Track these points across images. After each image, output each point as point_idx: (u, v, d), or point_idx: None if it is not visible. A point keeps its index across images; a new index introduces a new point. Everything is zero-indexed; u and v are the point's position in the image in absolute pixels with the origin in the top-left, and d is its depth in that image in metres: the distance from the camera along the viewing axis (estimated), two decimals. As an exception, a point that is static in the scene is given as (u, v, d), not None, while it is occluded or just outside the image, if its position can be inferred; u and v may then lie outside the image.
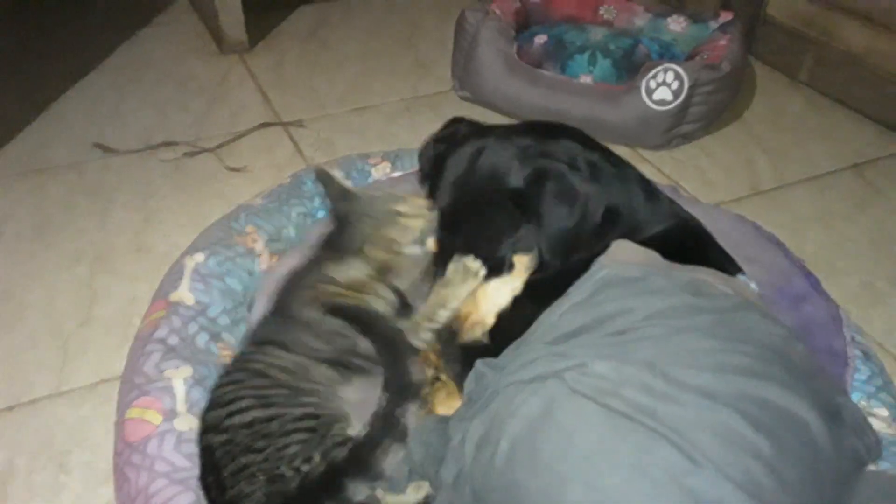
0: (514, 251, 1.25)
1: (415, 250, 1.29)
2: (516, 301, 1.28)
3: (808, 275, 1.57)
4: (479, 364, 1.13)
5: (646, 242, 1.20)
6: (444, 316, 1.23)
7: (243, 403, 1.12)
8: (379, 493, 1.06)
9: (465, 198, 1.29)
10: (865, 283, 1.85)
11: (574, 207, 1.22)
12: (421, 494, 1.11)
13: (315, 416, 1.12)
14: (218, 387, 1.18)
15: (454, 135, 1.41)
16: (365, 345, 1.18)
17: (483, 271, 1.24)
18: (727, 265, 1.27)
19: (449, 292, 1.23)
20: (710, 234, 1.35)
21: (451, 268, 1.23)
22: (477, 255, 1.24)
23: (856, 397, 1.33)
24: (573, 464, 0.88)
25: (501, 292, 1.26)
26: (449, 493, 1.06)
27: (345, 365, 1.20)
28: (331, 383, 1.18)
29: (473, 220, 1.27)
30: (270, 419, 1.11)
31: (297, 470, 1.05)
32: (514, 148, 1.29)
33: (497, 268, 1.25)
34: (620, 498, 0.85)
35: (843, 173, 2.23)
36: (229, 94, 2.50)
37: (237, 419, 1.11)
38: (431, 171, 1.36)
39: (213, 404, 1.17)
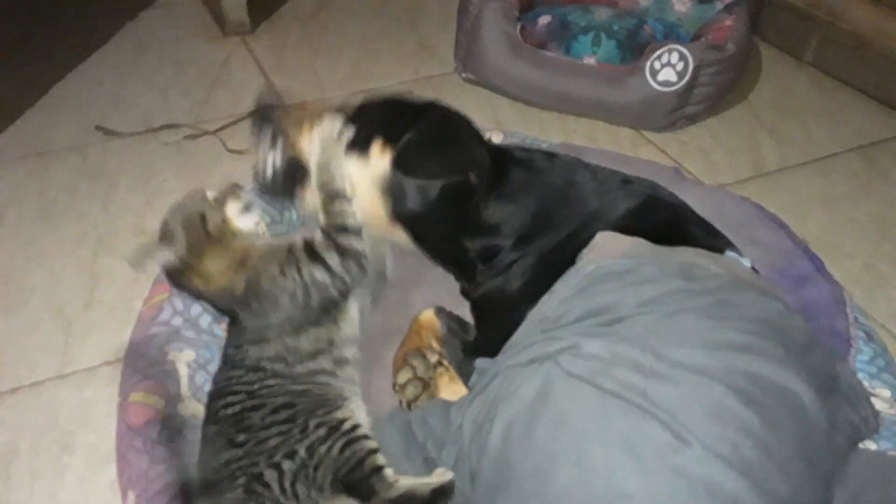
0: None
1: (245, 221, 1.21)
2: (491, 304, 1.30)
3: (812, 256, 1.56)
4: (479, 362, 1.15)
5: (618, 226, 1.19)
6: (346, 213, 1.17)
7: (237, 398, 1.12)
8: (389, 472, 1.06)
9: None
10: (869, 265, 1.84)
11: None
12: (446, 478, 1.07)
13: (291, 406, 1.11)
14: (219, 378, 1.18)
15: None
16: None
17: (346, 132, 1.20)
18: (711, 239, 1.25)
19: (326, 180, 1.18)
20: (683, 205, 1.32)
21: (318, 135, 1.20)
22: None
23: (859, 378, 1.33)
24: (565, 444, 0.89)
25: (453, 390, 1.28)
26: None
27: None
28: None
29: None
30: (255, 408, 1.11)
31: (278, 466, 1.05)
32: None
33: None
34: (609, 477, 0.86)
35: (847, 155, 2.21)
36: (231, 77, 2.49)
37: (229, 410, 1.11)
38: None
39: (214, 395, 1.16)
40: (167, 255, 1.17)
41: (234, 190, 1.21)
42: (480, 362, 1.15)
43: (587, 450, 0.88)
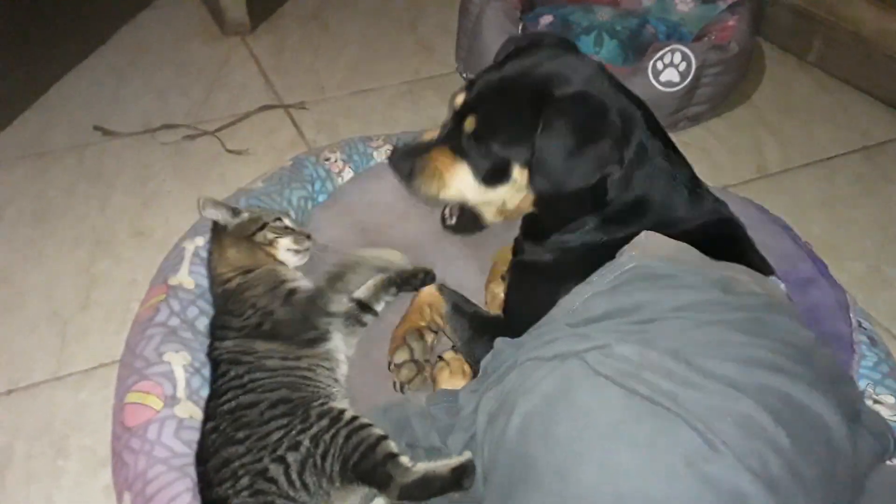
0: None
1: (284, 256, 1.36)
2: (525, 279, 1.27)
3: (815, 259, 1.55)
4: (499, 342, 1.11)
5: (679, 236, 1.14)
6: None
7: (230, 394, 1.13)
8: (404, 458, 1.05)
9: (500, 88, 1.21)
10: (872, 268, 1.82)
11: (589, 146, 1.13)
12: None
13: (288, 400, 1.11)
14: (217, 379, 1.19)
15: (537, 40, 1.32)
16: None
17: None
18: (762, 266, 1.22)
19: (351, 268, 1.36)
20: (748, 236, 1.28)
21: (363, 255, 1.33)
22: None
23: (862, 384, 1.32)
24: (589, 442, 0.87)
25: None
26: None
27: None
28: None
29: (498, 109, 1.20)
30: (251, 405, 1.11)
31: (283, 459, 1.04)
32: (590, 70, 1.20)
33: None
34: (635, 479, 0.84)
35: (851, 157, 2.20)
36: (230, 77, 2.48)
37: (225, 407, 1.12)
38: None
39: (213, 394, 1.17)
40: (225, 217, 1.35)
41: (303, 234, 1.39)
42: (500, 342, 1.11)
43: (614, 451, 0.85)
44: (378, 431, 1.08)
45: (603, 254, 1.13)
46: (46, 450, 1.40)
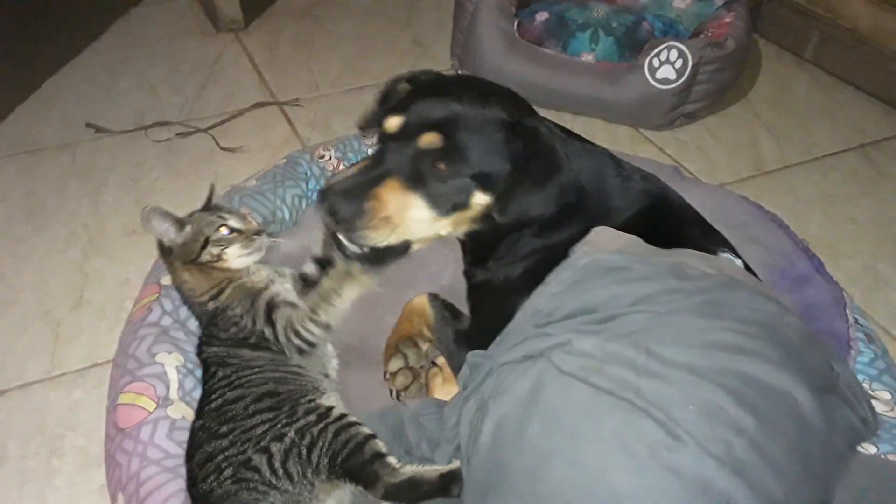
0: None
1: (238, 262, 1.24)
2: (485, 299, 1.27)
3: (812, 256, 1.54)
4: (472, 356, 1.12)
5: (624, 225, 1.16)
6: (326, 312, 1.18)
7: (218, 392, 1.13)
8: (392, 458, 1.05)
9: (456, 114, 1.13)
10: (868, 266, 1.82)
11: (554, 179, 1.12)
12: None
13: (275, 394, 1.11)
14: (207, 380, 1.18)
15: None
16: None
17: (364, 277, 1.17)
18: (707, 242, 1.22)
19: (331, 287, 1.19)
20: (686, 206, 1.29)
21: (337, 267, 1.18)
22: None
23: (858, 380, 1.31)
24: (557, 441, 0.88)
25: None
26: None
27: None
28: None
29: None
30: (237, 400, 1.10)
31: (266, 450, 1.04)
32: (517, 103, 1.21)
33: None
34: (602, 474, 0.85)
35: (847, 154, 2.20)
36: (224, 74, 2.46)
37: (213, 404, 1.11)
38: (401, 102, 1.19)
39: (203, 395, 1.17)
40: (168, 234, 1.24)
41: (250, 230, 1.25)
42: (472, 356, 1.12)
43: (580, 447, 0.87)
44: (366, 430, 1.08)
45: (548, 257, 1.13)
46: (40, 450, 1.39)
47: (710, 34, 2.20)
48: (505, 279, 1.23)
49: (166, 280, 1.36)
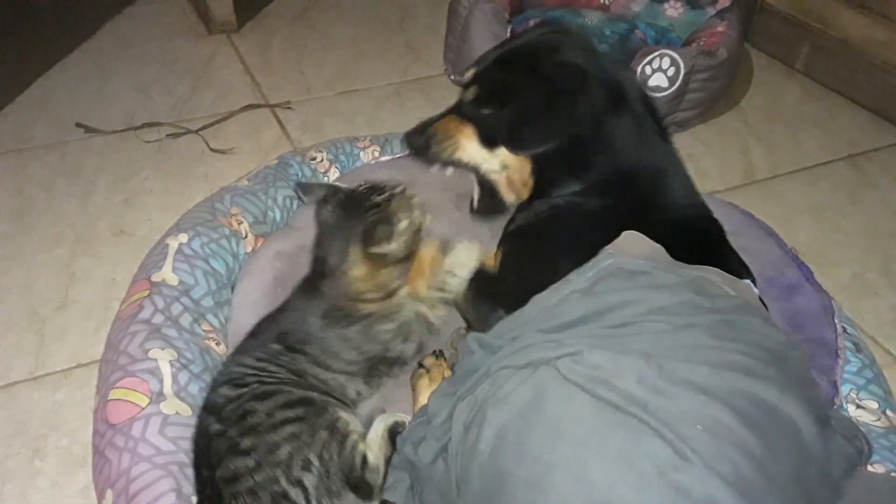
0: None
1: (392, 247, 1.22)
2: (516, 246, 1.30)
3: (801, 265, 1.55)
4: (471, 340, 1.11)
5: (664, 223, 1.19)
6: (453, 284, 1.25)
7: (245, 389, 1.10)
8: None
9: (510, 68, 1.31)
10: (857, 275, 1.83)
11: (558, 126, 1.23)
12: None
13: (308, 401, 1.10)
14: (228, 365, 1.17)
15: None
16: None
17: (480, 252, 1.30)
18: (740, 269, 1.24)
19: (454, 261, 1.26)
20: (728, 240, 1.31)
21: (459, 246, 1.31)
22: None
23: (846, 389, 1.32)
24: (561, 453, 0.86)
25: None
26: (427, 472, 1.05)
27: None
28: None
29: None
30: (260, 403, 1.08)
31: (300, 483, 1.03)
32: (578, 44, 1.32)
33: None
34: (607, 490, 0.83)
35: (837, 164, 2.20)
36: (215, 75, 2.45)
37: (230, 407, 1.09)
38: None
39: (221, 381, 1.14)
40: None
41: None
42: (473, 341, 1.10)
43: (585, 461, 0.85)
44: (355, 437, 1.09)
45: (588, 220, 1.22)
46: (23, 450, 1.37)
47: (702, 43, 2.21)
48: (540, 221, 1.28)
49: (157, 277, 1.34)
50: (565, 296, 1.06)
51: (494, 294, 1.23)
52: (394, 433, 1.12)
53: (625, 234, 1.13)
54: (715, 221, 1.30)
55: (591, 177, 1.25)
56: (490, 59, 1.35)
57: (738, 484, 0.82)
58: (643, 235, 1.13)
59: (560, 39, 1.33)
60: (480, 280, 1.29)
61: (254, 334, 1.22)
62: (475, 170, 1.35)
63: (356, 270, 1.20)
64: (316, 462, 1.05)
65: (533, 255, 1.25)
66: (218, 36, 2.65)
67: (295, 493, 1.03)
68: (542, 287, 1.09)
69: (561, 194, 1.27)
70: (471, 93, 1.32)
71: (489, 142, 1.31)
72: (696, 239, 1.20)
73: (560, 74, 1.24)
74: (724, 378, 0.90)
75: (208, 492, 1.04)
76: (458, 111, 1.34)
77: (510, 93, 1.27)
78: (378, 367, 1.21)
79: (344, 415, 1.12)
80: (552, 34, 1.36)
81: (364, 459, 1.08)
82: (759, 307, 1.14)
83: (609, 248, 1.11)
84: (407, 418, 1.15)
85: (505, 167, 1.32)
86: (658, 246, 1.13)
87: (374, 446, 1.11)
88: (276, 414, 1.07)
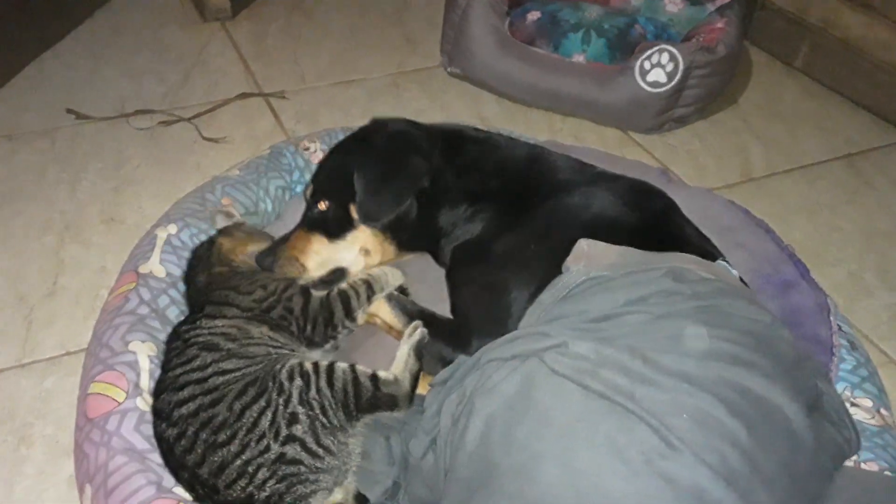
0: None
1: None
2: (468, 252, 1.32)
3: (797, 262, 1.54)
4: (462, 357, 1.11)
5: (607, 207, 1.23)
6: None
7: (188, 391, 1.07)
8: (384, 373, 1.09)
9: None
10: (853, 274, 1.82)
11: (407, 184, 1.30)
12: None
13: (254, 381, 1.07)
14: (175, 366, 1.13)
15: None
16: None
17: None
18: (703, 243, 1.25)
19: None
20: (677, 205, 1.31)
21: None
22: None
23: (840, 387, 1.31)
24: (548, 442, 0.87)
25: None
26: (416, 466, 1.05)
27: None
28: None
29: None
30: (215, 403, 1.05)
31: (291, 437, 1.01)
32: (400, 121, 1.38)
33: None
34: (595, 478, 0.84)
35: (834, 163, 2.20)
36: (209, 63, 2.43)
37: (184, 409, 1.06)
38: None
39: (166, 384, 1.11)
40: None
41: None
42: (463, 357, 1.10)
43: (573, 450, 0.85)
44: (344, 365, 1.08)
45: (505, 226, 1.27)
46: (8, 437, 1.35)
47: (701, 39, 2.20)
48: (470, 240, 1.32)
49: (144, 268, 1.32)
50: (541, 313, 1.07)
51: (461, 332, 1.22)
52: (419, 351, 1.16)
53: (585, 242, 1.12)
54: (655, 191, 1.31)
55: (471, 197, 1.32)
56: (323, 161, 1.43)
57: (725, 473, 0.83)
58: (604, 243, 1.12)
59: (381, 121, 1.39)
60: (443, 328, 1.27)
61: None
62: (342, 272, 1.32)
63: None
64: (301, 409, 1.03)
65: (479, 257, 1.28)
66: (212, 23, 2.62)
67: (290, 448, 1.01)
68: (504, 309, 1.16)
69: (460, 227, 1.33)
70: (309, 195, 1.35)
71: (340, 231, 1.31)
72: (644, 218, 1.23)
73: (383, 145, 1.32)
74: (709, 368, 0.90)
75: (199, 490, 1.02)
76: (303, 224, 1.34)
77: (348, 174, 1.30)
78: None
79: (302, 356, 1.11)
80: (371, 123, 1.41)
81: (374, 377, 1.07)
82: (741, 287, 1.14)
83: (574, 262, 1.10)
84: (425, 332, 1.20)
85: (366, 251, 1.33)
86: (626, 248, 1.12)
87: (399, 363, 1.14)
88: (235, 405, 1.04)
